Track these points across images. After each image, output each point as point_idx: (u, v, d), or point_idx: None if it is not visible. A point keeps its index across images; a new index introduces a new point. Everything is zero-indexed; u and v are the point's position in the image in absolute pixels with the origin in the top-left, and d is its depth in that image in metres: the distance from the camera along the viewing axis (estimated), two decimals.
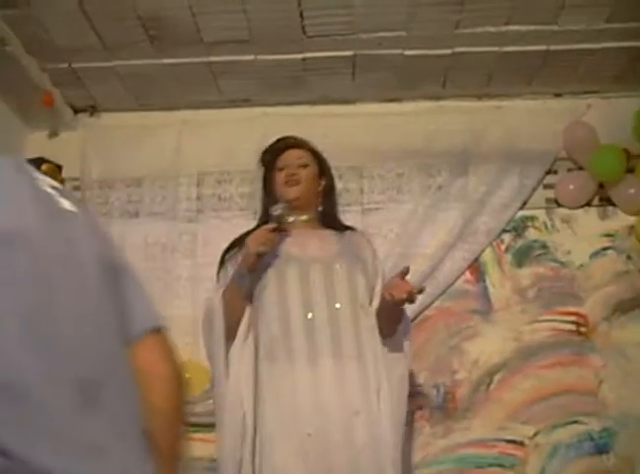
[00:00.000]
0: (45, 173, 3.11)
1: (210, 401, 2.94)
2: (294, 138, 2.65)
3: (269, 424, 2.21)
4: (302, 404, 2.18)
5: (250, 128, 3.24)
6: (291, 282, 2.30)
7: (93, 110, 3.37)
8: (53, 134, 3.34)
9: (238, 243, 2.45)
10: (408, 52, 3.03)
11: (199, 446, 3.01)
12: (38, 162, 3.17)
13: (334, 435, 2.15)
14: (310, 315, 2.25)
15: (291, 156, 2.58)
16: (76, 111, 3.37)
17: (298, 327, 2.24)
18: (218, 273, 2.48)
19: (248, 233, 2.42)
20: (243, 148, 3.22)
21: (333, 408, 2.18)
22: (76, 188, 3.28)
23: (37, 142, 3.31)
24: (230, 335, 2.31)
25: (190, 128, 3.28)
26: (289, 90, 3.24)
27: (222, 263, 2.48)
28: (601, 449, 2.98)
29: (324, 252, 2.39)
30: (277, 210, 2.37)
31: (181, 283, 3.13)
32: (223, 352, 2.29)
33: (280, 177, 2.54)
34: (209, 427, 3.00)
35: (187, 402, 2.85)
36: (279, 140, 2.67)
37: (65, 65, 3.05)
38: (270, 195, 2.59)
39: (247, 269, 2.29)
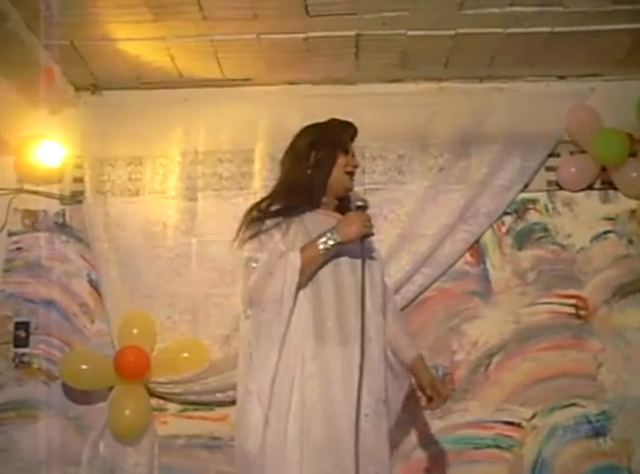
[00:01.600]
0: (47, 150, 3.15)
1: (210, 379, 2.97)
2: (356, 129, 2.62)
3: (316, 400, 2.20)
4: (355, 387, 2.19)
5: (252, 108, 3.24)
6: (345, 272, 2.33)
7: (94, 88, 3.36)
8: (55, 112, 3.33)
9: (283, 213, 2.39)
10: (411, 33, 3.01)
11: (198, 424, 3.05)
12: (39, 139, 3.19)
13: (382, 419, 2.24)
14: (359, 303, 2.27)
15: (352, 147, 2.58)
16: (77, 88, 3.36)
17: (353, 313, 2.26)
18: (251, 235, 2.37)
19: (289, 203, 2.40)
20: (245, 127, 3.22)
21: (380, 391, 2.26)
22: (78, 166, 3.29)
23: (38, 119, 3.29)
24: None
25: (191, 107, 3.27)
26: (292, 69, 3.23)
27: (257, 225, 2.38)
28: (598, 432, 3.01)
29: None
30: (360, 201, 2.39)
31: (181, 262, 3.14)
32: (290, 311, 2.25)
33: (342, 160, 2.50)
34: (209, 405, 3.05)
35: (186, 380, 2.88)
36: (348, 123, 2.61)
37: (67, 42, 3.04)
38: (321, 170, 2.48)
39: (344, 243, 2.28)
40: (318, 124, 2.61)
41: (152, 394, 3.03)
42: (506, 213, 3.20)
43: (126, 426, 2.91)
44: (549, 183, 3.24)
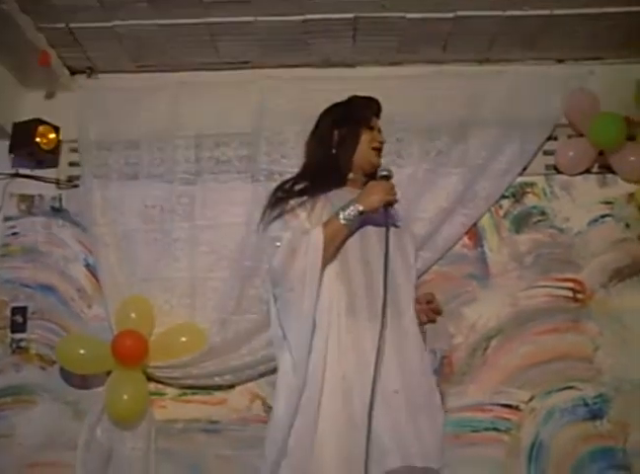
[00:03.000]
0: (41, 134, 3.14)
1: (208, 363, 2.97)
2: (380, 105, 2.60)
3: (353, 375, 2.19)
4: (387, 362, 2.17)
5: (249, 91, 3.22)
6: (372, 243, 2.31)
7: (90, 71, 3.34)
8: (50, 95, 3.32)
9: (308, 192, 2.38)
10: (410, 15, 3.00)
11: (197, 408, 3.05)
12: (34, 123, 3.16)
13: (418, 393, 2.21)
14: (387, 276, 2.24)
15: (378, 123, 2.56)
16: (73, 72, 3.34)
17: (380, 287, 2.22)
18: (276, 215, 2.36)
19: (314, 182, 2.40)
20: (242, 111, 3.21)
21: (415, 367, 2.24)
22: (74, 150, 3.27)
23: (33, 103, 3.29)
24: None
25: (188, 90, 3.25)
26: (289, 52, 3.21)
27: (281, 205, 2.37)
28: (595, 415, 3.02)
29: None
30: (385, 171, 2.39)
31: (179, 246, 3.12)
32: (317, 287, 2.22)
33: (367, 136, 2.49)
34: (207, 389, 3.05)
35: (184, 364, 2.88)
36: (370, 99, 2.59)
37: (62, 25, 3.01)
38: (345, 148, 2.47)
39: (367, 212, 2.27)
40: (340, 103, 2.60)
41: (150, 378, 3.02)
42: (504, 197, 3.20)
43: (124, 410, 2.91)
44: (547, 166, 3.24)
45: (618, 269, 3.15)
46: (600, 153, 3.21)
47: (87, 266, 3.19)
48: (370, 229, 2.33)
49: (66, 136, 3.26)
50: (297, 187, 2.41)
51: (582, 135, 3.21)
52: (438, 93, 3.19)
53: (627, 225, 3.20)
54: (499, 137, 3.17)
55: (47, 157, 3.24)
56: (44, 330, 3.13)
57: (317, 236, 2.24)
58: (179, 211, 3.16)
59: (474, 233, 3.18)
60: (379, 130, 2.56)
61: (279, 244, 2.27)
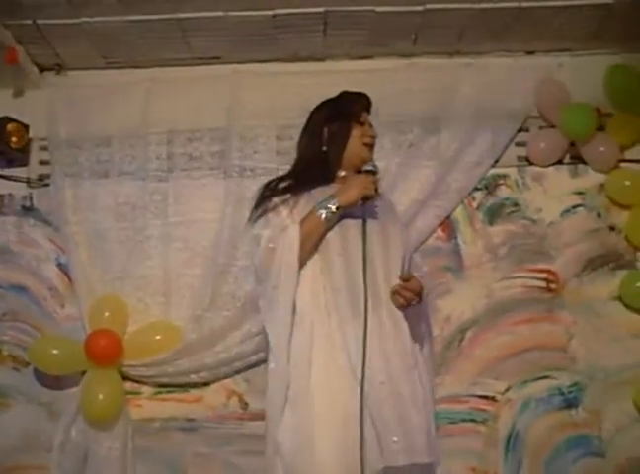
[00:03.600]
0: (10, 133, 3.10)
1: (183, 360, 2.95)
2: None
3: (341, 372, 2.19)
4: (371, 357, 2.16)
5: (220, 86, 3.20)
6: (352, 238, 2.29)
7: (59, 68, 3.30)
8: (19, 93, 3.27)
9: (291, 189, 2.38)
10: (379, 9, 2.99)
11: (173, 406, 3.03)
12: (3, 121, 3.12)
13: (402, 385, 2.19)
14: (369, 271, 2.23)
15: (369, 118, 2.55)
16: (42, 69, 3.30)
17: (361, 281, 2.21)
18: (259, 213, 2.37)
19: (299, 180, 2.39)
20: (213, 106, 3.18)
21: (396, 359, 2.21)
22: (44, 148, 3.23)
23: (1, 101, 3.25)
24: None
25: (159, 87, 3.22)
26: (260, 47, 3.20)
27: (265, 203, 2.38)
28: (571, 403, 3.05)
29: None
30: (370, 166, 2.37)
31: (152, 243, 3.10)
32: (295, 283, 2.23)
33: (358, 132, 2.47)
34: (183, 386, 3.03)
35: (159, 362, 2.86)
36: (360, 94, 2.58)
37: (29, 22, 2.98)
38: (335, 144, 2.45)
39: (344, 207, 2.26)
40: (330, 100, 2.58)
41: (125, 377, 2.99)
42: (477, 189, 3.21)
43: (99, 410, 2.88)
44: (519, 158, 3.25)
45: (591, 258, 3.18)
46: (572, 144, 3.23)
47: (59, 265, 3.16)
48: (350, 222, 2.32)
49: (36, 134, 3.22)
50: (282, 184, 2.40)
51: (553, 127, 3.23)
52: (408, 86, 3.19)
53: (599, 215, 3.22)
54: (470, 129, 3.17)
55: (17, 156, 3.20)
56: (17, 331, 3.09)
57: (293, 233, 2.24)
58: (151, 209, 3.13)
59: (448, 225, 3.18)
60: (370, 125, 2.54)
61: (261, 242, 2.28)
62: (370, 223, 2.30)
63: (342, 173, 2.46)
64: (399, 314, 2.28)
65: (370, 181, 2.32)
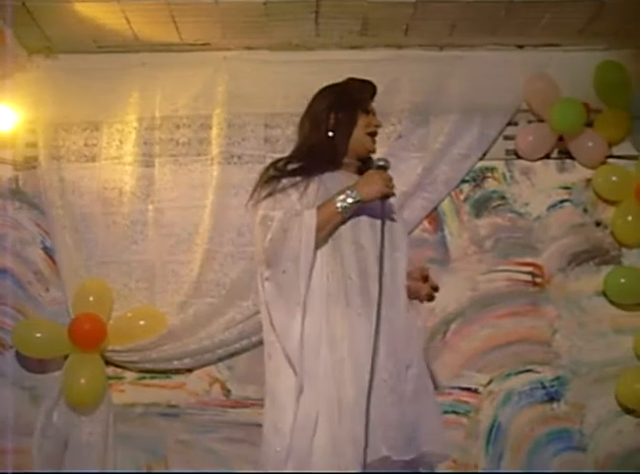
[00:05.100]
0: None
1: (166, 347, 2.95)
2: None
3: (347, 363, 2.16)
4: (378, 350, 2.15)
5: (210, 73, 3.19)
6: (365, 232, 2.29)
7: (49, 51, 3.28)
8: (6, 76, 3.24)
9: (302, 172, 2.34)
10: None
11: (155, 392, 3.03)
12: None
13: (407, 382, 2.20)
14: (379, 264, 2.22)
15: (374, 106, 2.52)
16: (31, 52, 3.27)
17: (374, 275, 2.21)
18: (267, 194, 2.31)
19: (309, 163, 2.36)
20: (202, 92, 3.18)
21: (404, 355, 2.22)
22: (31, 130, 3.21)
23: None
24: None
25: (148, 72, 3.21)
26: (250, 34, 3.18)
27: (273, 183, 2.32)
28: (553, 397, 3.07)
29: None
30: (382, 161, 2.36)
31: (137, 229, 3.10)
32: (309, 270, 2.20)
33: (363, 120, 2.44)
34: (166, 373, 3.03)
35: (142, 348, 2.85)
36: (365, 81, 2.54)
37: (18, 3, 2.95)
38: (341, 131, 2.41)
39: (365, 202, 2.25)
40: (335, 85, 2.54)
41: (108, 362, 3.00)
42: (464, 181, 3.21)
43: (81, 394, 2.89)
44: (507, 151, 3.26)
45: (576, 253, 3.19)
46: (560, 139, 3.24)
47: (44, 248, 3.15)
48: (364, 218, 2.31)
49: (23, 117, 3.20)
50: (290, 166, 2.37)
51: (542, 121, 3.23)
52: (398, 77, 3.19)
53: (585, 210, 3.23)
54: (459, 122, 3.17)
55: (4, 138, 3.18)
56: (1, 314, 3.08)
57: (311, 218, 2.20)
58: (137, 194, 3.12)
59: (434, 217, 3.19)
60: (375, 114, 2.51)
61: (270, 223, 2.23)
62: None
63: (345, 160, 2.43)
64: (403, 310, 2.30)
65: (390, 179, 2.31)
